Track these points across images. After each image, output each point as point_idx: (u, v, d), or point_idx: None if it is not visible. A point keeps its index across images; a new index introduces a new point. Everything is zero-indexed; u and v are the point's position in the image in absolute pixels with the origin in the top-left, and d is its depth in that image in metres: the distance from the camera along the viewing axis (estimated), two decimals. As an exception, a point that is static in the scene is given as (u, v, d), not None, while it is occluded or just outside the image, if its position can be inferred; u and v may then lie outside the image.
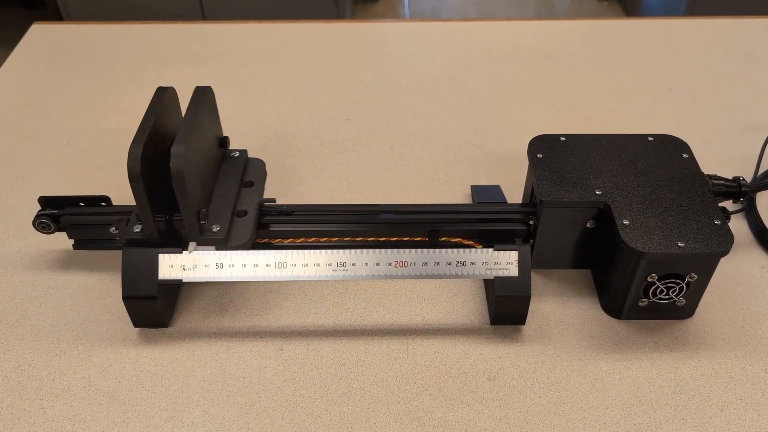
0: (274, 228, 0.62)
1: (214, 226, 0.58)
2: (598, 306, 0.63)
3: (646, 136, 0.66)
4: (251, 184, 0.64)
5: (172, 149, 0.53)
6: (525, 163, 0.66)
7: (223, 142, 0.66)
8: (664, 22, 1.06)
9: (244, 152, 0.67)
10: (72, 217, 0.63)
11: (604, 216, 0.60)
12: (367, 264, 0.58)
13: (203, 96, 0.60)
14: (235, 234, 0.59)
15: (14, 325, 0.61)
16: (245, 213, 0.60)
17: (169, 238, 0.59)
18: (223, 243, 0.58)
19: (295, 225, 0.62)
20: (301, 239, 0.62)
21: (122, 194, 0.65)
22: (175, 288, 0.63)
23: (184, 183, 0.53)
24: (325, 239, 0.62)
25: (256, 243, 0.62)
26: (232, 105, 0.88)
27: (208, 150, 0.61)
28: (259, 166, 0.66)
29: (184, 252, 0.58)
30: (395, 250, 0.58)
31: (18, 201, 0.74)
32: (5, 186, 0.76)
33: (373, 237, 0.63)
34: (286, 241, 0.62)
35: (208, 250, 0.58)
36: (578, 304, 0.63)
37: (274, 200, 0.64)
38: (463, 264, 0.58)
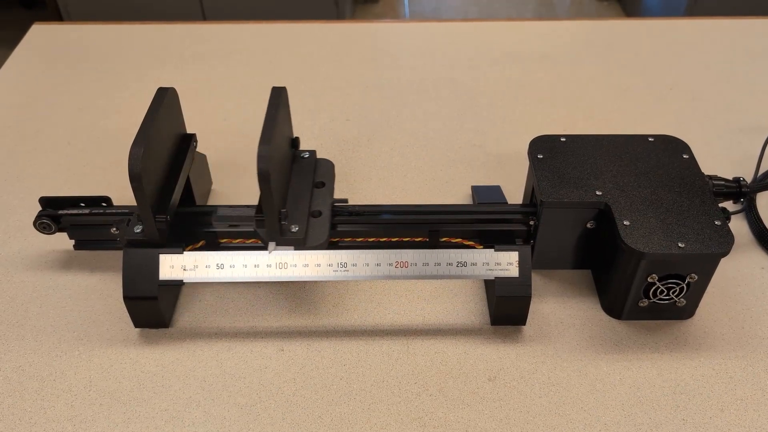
0: (341, 228, 0.62)
1: (293, 226, 0.58)
2: (599, 306, 0.63)
3: (646, 136, 0.66)
4: (322, 184, 0.63)
5: (258, 150, 0.53)
6: (525, 163, 0.66)
7: (295, 142, 0.66)
8: (665, 22, 1.06)
9: (313, 153, 0.66)
10: (73, 218, 0.63)
11: (604, 216, 0.60)
12: (367, 264, 0.58)
13: (280, 96, 0.60)
14: (313, 234, 0.58)
15: (15, 326, 0.61)
16: (320, 213, 0.60)
17: (170, 239, 0.59)
18: (302, 243, 0.57)
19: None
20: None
21: (123, 194, 0.65)
22: (176, 288, 0.63)
23: (269, 183, 0.53)
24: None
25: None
26: (233, 105, 0.88)
27: (284, 151, 0.61)
28: (329, 167, 0.65)
29: (185, 252, 0.58)
30: (396, 250, 0.58)
31: (18, 201, 0.74)
32: (6, 186, 0.76)
33: (374, 237, 0.63)
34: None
35: (287, 250, 0.58)
36: (579, 305, 0.63)
37: (346, 200, 0.64)
38: (464, 264, 0.58)
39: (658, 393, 0.56)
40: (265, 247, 0.61)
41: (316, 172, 0.64)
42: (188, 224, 0.62)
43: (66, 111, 0.87)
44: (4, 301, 0.63)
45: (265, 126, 0.56)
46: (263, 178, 0.53)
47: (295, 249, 0.58)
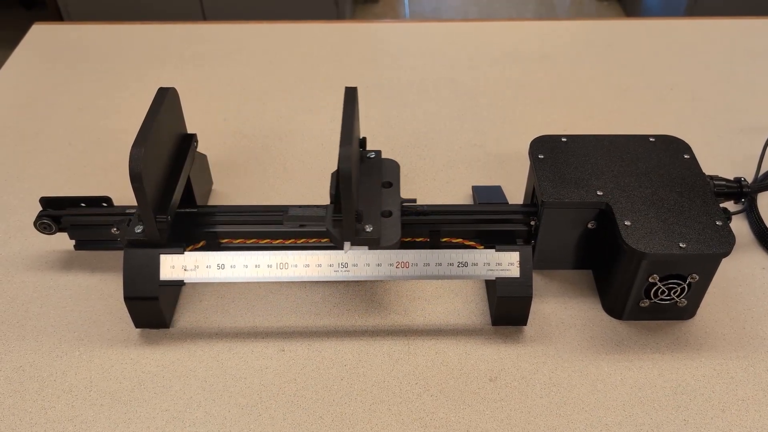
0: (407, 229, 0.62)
1: (367, 226, 0.57)
2: (600, 307, 0.63)
3: (647, 136, 0.66)
4: (389, 184, 0.63)
5: (340, 150, 0.52)
6: (526, 163, 0.66)
7: (362, 142, 0.66)
8: (665, 22, 1.06)
9: (378, 153, 0.66)
10: (73, 218, 0.63)
11: (605, 217, 0.60)
12: (368, 264, 0.58)
13: (354, 96, 0.59)
14: (385, 234, 0.58)
15: (15, 326, 0.61)
16: (390, 213, 0.60)
17: (170, 239, 0.59)
18: (376, 243, 0.57)
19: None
20: (302, 240, 0.62)
21: (123, 195, 0.65)
22: (177, 289, 0.63)
23: (351, 184, 0.52)
24: (325, 240, 0.62)
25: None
26: (233, 105, 0.88)
27: (356, 151, 0.61)
28: (394, 167, 0.65)
29: (187, 252, 0.58)
30: (396, 250, 0.58)
31: (19, 201, 0.73)
32: (6, 186, 0.76)
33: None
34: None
35: (361, 249, 0.58)
36: (579, 305, 0.63)
37: (414, 200, 0.63)
38: (465, 265, 0.58)
39: (659, 393, 0.56)
40: (268, 248, 0.61)
41: (383, 172, 0.64)
42: (191, 224, 0.62)
43: (66, 111, 0.87)
44: (5, 302, 0.63)
45: (344, 126, 0.55)
46: (345, 178, 0.52)
47: (369, 249, 0.57)
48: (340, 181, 0.52)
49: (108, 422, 0.54)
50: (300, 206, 0.61)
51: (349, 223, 0.55)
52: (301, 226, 0.61)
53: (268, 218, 0.63)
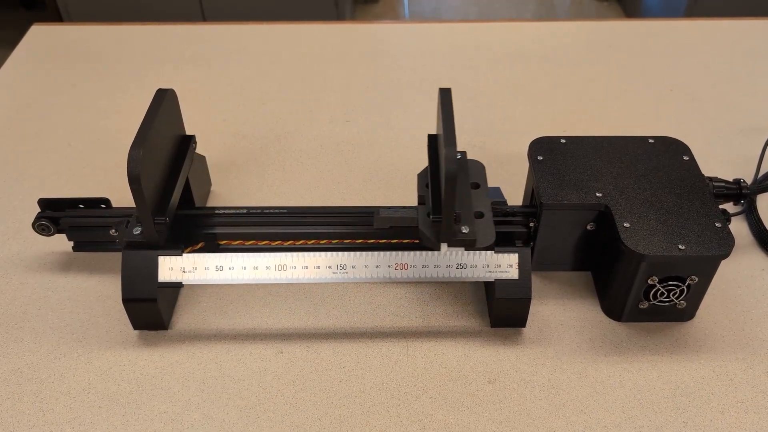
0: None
1: (463, 227, 0.57)
2: (599, 308, 0.63)
3: (646, 138, 0.66)
4: (477, 185, 0.63)
5: (445, 152, 0.52)
6: (525, 164, 0.66)
7: None
8: (665, 23, 1.06)
9: (464, 154, 0.66)
10: (72, 219, 0.63)
11: (604, 218, 0.60)
12: (367, 266, 0.58)
13: (449, 97, 0.59)
14: (481, 235, 0.58)
15: (13, 328, 0.61)
16: (482, 215, 0.60)
17: (169, 240, 0.59)
18: (472, 244, 0.57)
19: (297, 227, 0.62)
20: (301, 241, 0.62)
21: (122, 196, 0.65)
22: (175, 290, 0.63)
23: (455, 185, 0.52)
24: (324, 241, 0.62)
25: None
26: (232, 106, 0.88)
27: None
28: (480, 168, 0.65)
29: (185, 254, 0.58)
30: (395, 252, 0.58)
31: (18, 203, 0.73)
32: (5, 188, 0.76)
33: (373, 239, 0.63)
34: (286, 243, 0.62)
35: (457, 251, 0.57)
36: (578, 307, 0.63)
37: (504, 202, 0.63)
38: (464, 266, 0.58)
39: (658, 395, 0.56)
40: (267, 249, 0.61)
41: (470, 173, 0.64)
42: (190, 226, 0.62)
43: (65, 112, 0.87)
44: (3, 303, 0.63)
45: (446, 127, 0.55)
46: (451, 180, 0.52)
47: (466, 250, 0.57)
48: (445, 183, 0.52)
49: (106, 424, 0.54)
50: (389, 207, 0.61)
51: (449, 225, 0.55)
52: (391, 228, 0.61)
53: (267, 220, 0.63)
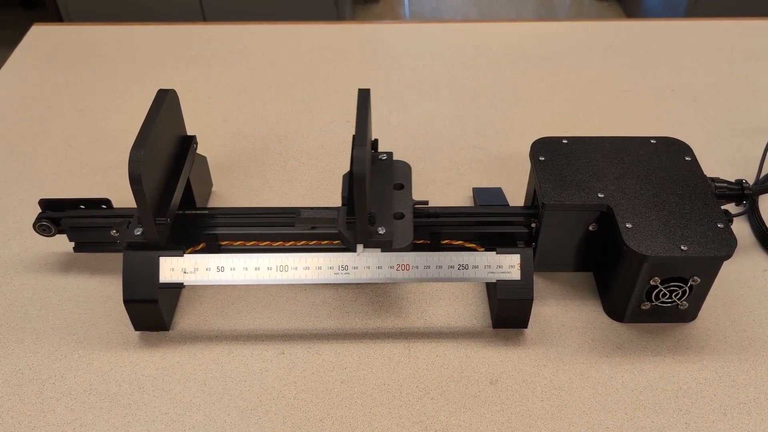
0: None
1: (379, 228, 0.57)
2: (601, 309, 0.62)
3: (648, 138, 0.66)
4: (401, 186, 0.63)
5: (354, 152, 0.52)
6: (527, 165, 0.66)
7: (374, 144, 0.65)
8: (665, 23, 1.06)
9: (390, 154, 0.66)
10: (72, 220, 0.63)
11: (606, 219, 0.60)
12: (368, 267, 0.58)
13: (367, 98, 0.59)
14: (398, 236, 0.58)
15: (14, 329, 0.61)
16: (402, 215, 0.60)
17: (170, 241, 0.59)
18: (389, 245, 0.57)
19: (293, 228, 0.62)
20: (303, 242, 0.62)
21: (123, 196, 0.65)
22: (176, 291, 0.63)
23: (364, 186, 0.52)
24: (326, 242, 0.62)
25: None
26: (233, 107, 0.88)
27: (369, 153, 0.60)
28: (405, 169, 0.65)
29: (186, 255, 0.58)
30: (397, 253, 0.58)
31: (18, 203, 0.73)
32: (5, 188, 0.75)
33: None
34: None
35: (373, 251, 0.57)
36: (580, 308, 0.63)
37: (426, 202, 0.63)
38: (465, 267, 0.58)
39: (660, 396, 0.56)
40: (267, 250, 0.61)
41: (394, 174, 0.64)
42: (191, 226, 0.62)
43: (66, 112, 0.87)
44: (4, 304, 0.63)
45: (359, 128, 0.55)
46: (359, 180, 0.52)
47: (382, 251, 0.57)
48: (353, 184, 0.52)
49: (107, 425, 0.54)
50: (311, 208, 0.61)
51: (362, 226, 0.55)
52: (313, 228, 0.61)
53: (268, 220, 0.63)
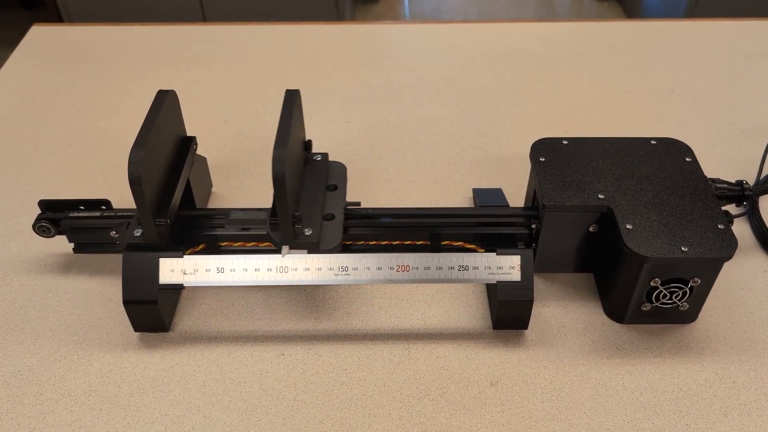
0: (353, 231, 0.62)
1: (306, 229, 0.57)
2: (601, 310, 0.62)
3: (648, 139, 0.66)
4: (335, 187, 0.63)
5: (273, 153, 0.52)
6: (527, 165, 0.66)
7: (307, 145, 0.65)
8: (666, 23, 1.06)
9: (325, 155, 0.66)
10: (72, 221, 0.63)
11: (606, 220, 0.59)
12: (368, 268, 0.58)
13: (294, 99, 0.59)
14: (326, 237, 0.58)
15: (14, 330, 0.61)
16: (333, 217, 0.60)
17: (170, 242, 0.59)
18: (315, 247, 0.57)
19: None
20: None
21: (123, 197, 0.64)
22: (176, 292, 0.63)
23: (284, 187, 0.53)
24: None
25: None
26: (233, 107, 0.87)
27: (298, 154, 0.60)
28: (341, 170, 0.65)
29: (186, 256, 0.58)
30: (397, 254, 0.58)
31: (18, 204, 0.73)
32: (5, 189, 0.75)
33: (375, 241, 0.63)
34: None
35: (300, 253, 0.57)
36: (581, 309, 0.63)
37: (359, 203, 0.63)
38: (465, 268, 0.58)
39: (660, 398, 0.56)
40: (268, 251, 0.61)
41: (329, 175, 0.64)
42: (191, 227, 0.62)
43: (66, 113, 0.87)
44: (3, 305, 0.63)
45: (280, 129, 0.55)
46: (278, 181, 0.52)
47: (309, 252, 0.57)
48: (273, 184, 0.53)
49: (107, 427, 0.54)
50: (242, 209, 0.62)
51: (285, 227, 0.55)
52: (244, 229, 0.61)
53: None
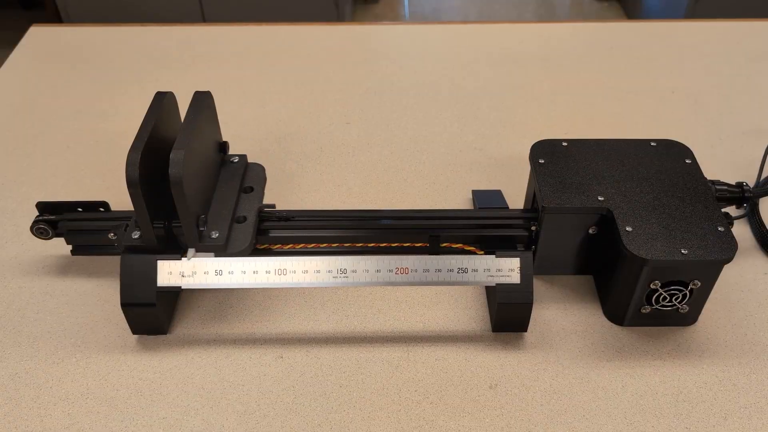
0: (273, 234, 0.61)
1: (213, 232, 0.57)
2: (601, 313, 0.62)
3: (648, 141, 0.66)
4: (251, 189, 0.63)
5: (170, 155, 0.53)
6: (527, 167, 0.66)
7: (223, 147, 0.66)
8: (666, 24, 1.06)
9: (243, 157, 0.66)
10: (70, 223, 0.63)
11: (606, 222, 0.59)
12: (367, 271, 0.57)
13: (202, 101, 0.60)
14: (235, 240, 0.58)
15: (11, 332, 0.61)
16: (245, 219, 0.60)
17: (169, 245, 0.58)
18: (222, 249, 0.57)
19: (294, 231, 0.62)
20: (301, 245, 0.62)
21: (121, 199, 0.64)
22: (174, 295, 0.63)
23: (182, 189, 0.53)
24: (325, 245, 0.62)
25: (256, 249, 0.61)
26: (232, 108, 0.87)
27: (207, 155, 0.61)
28: (259, 172, 0.66)
29: (183, 259, 0.57)
30: (396, 256, 0.58)
31: (16, 206, 0.73)
32: (3, 190, 0.75)
33: (374, 243, 0.62)
34: (286, 247, 0.62)
35: (206, 256, 0.58)
36: (580, 311, 0.62)
37: (273, 206, 0.63)
38: (465, 271, 0.57)
39: (660, 401, 0.56)
40: (265, 253, 0.61)
41: (246, 177, 0.64)
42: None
43: (65, 114, 0.87)
44: (1, 307, 0.63)
45: (182, 131, 0.56)
46: (175, 183, 0.52)
47: (216, 256, 0.57)
48: (171, 187, 0.53)
49: (105, 430, 0.54)
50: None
51: (188, 230, 0.55)
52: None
53: (266, 223, 0.62)
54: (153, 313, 0.58)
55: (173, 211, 0.55)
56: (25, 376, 0.57)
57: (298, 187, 0.76)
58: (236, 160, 0.66)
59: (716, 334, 0.61)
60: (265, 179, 0.66)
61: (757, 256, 0.68)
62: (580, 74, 0.94)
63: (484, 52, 0.98)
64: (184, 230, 0.56)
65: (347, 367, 0.58)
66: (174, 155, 0.53)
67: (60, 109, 0.88)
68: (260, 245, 0.61)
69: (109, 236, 0.62)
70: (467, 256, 0.58)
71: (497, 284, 0.57)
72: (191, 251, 0.57)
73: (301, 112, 0.87)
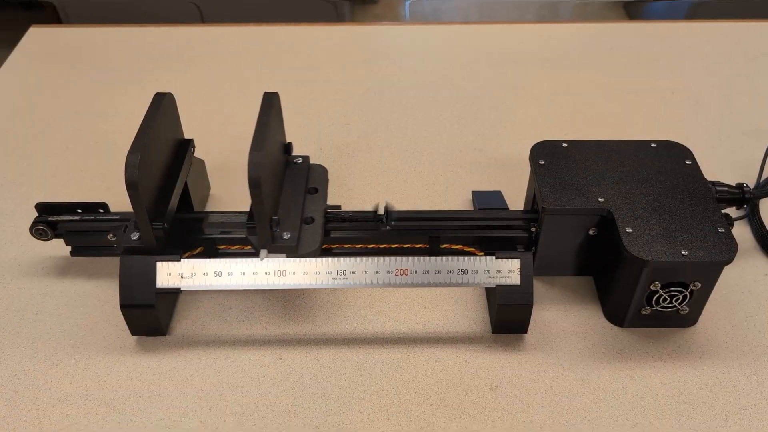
0: (335, 235, 0.61)
1: (285, 233, 0.57)
2: (601, 314, 0.62)
3: (648, 142, 0.65)
4: (315, 190, 0.63)
5: (249, 156, 0.52)
6: (527, 168, 0.65)
7: (288, 148, 0.65)
8: (667, 25, 1.06)
9: (306, 158, 0.65)
10: (69, 224, 0.62)
11: (606, 223, 0.59)
12: (367, 272, 0.57)
13: (272, 101, 0.59)
14: (305, 241, 0.58)
15: (10, 333, 0.61)
16: (312, 220, 0.60)
17: (168, 245, 0.58)
18: (293, 251, 0.57)
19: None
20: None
21: (120, 200, 0.64)
22: (173, 296, 0.63)
23: (260, 191, 0.52)
24: (324, 246, 0.62)
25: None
26: (231, 109, 0.87)
27: (275, 156, 0.60)
28: (322, 173, 0.65)
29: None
30: (395, 258, 0.57)
31: (15, 207, 0.73)
32: (2, 191, 0.75)
33: (373, 244, 0.62)
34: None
35: (279, 257, 0.57)
36: (580, 312, 0.62)
37: (339, 207, 0.63)
38: (465, 272, 0.57)
39: (661, 402, 0.56)
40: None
41: (309, 178, 0.64)
42: (188, 230, 0.62)
43: (64, 115, 0.87)
44: (0, 309, 0.63)
45: (257, 132, 0.55)
46: (254, 185, 0.52)
47: (288, 257, 0.57)
48: (249, 188, 0.52)
49: (104, 431, 0.54)
50: (221, 212, 0.62)
51: (263, 231, 0.55)
52: (223, 232, 0.61)
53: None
54: (152, 315, 0.58)
55: (174, 211, 0.55)
56: (23, 377, 0.57)
57: (297, 188, 0.76)
58: (300, 161, 0.65)
59: (716, 336, 0.60)
60: (327, 180, 0.65)
61: (758, 257, 0.68)
62: (580, 75, 0.94)
63: (484, 53, 0.98)
64: (258, 231, 0.55)
65: (347, 369, 0.58)
66: (252, 157, 0.52)
67: (59, 109, 0.87)
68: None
69: (109, 237, 0.62)
70: (467, 258, 0.58)
71: (497, 285, 0.57)
72: (263, 252, 0.56)
73: (300, 113, 0.87)
